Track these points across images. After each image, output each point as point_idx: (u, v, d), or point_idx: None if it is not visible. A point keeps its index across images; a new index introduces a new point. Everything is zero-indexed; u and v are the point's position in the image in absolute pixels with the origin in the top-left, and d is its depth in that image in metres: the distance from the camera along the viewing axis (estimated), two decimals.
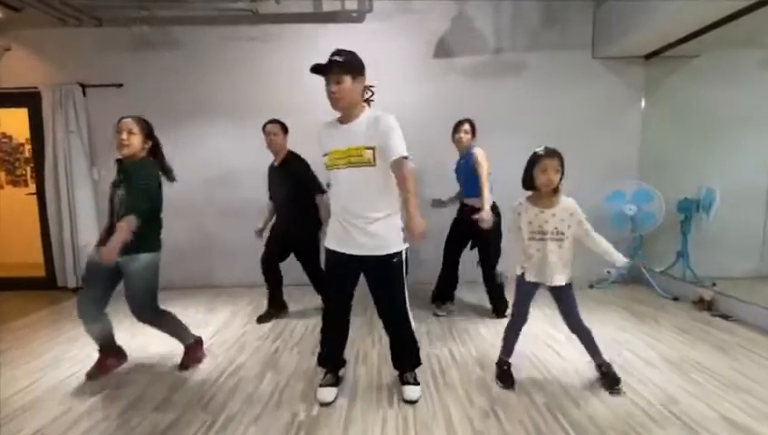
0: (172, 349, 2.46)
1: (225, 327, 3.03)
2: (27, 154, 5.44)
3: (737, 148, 3.79)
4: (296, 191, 2.95)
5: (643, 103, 4.07)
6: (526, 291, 2.10)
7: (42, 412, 1.96)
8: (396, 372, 2.13)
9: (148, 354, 2.54)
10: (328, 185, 2.14)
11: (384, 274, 1.91)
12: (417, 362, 2.10)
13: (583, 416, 1.84)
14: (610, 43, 3.82)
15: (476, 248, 3.07)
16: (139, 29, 3.87)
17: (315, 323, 3.03)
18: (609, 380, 2.06)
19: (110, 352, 2.37)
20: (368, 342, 2.68)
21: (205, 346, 2.55)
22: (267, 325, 3.04)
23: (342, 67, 1.77)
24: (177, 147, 4.03)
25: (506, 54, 3.99)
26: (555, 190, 1.97)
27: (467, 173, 2.97)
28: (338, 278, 1.96)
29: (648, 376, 2.19)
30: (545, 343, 2.62)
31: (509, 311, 2.90)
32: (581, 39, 3.98)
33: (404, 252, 1.92)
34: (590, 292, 3.79)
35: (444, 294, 3.24)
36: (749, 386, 2.08)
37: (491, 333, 2.82)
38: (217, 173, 4.08)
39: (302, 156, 3.05)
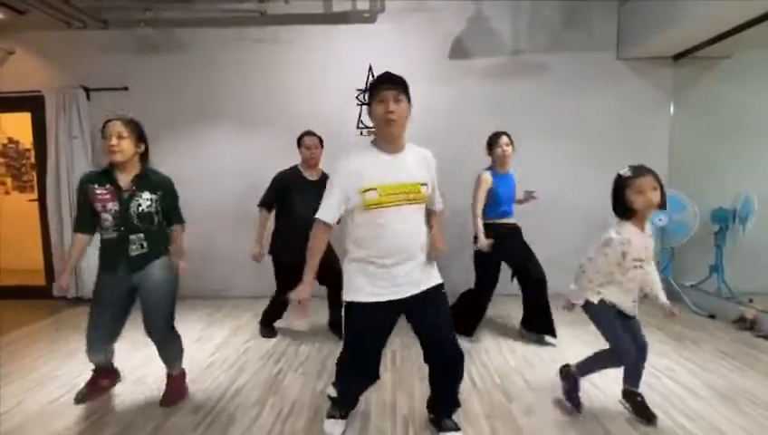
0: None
1: (227, 344, 2.84)
2: (33, 160, 5.38)
3: None
4: None
5: (672, 106, 3.83)
6: (615, 319, 1.85)
7: None
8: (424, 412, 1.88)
9: (141, 374, 2.36)
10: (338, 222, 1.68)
11: (440, 306, 1.66)
12: (459, 403, 1.82)
13: None
14: (636, 43, 3.61)
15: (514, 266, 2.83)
16: (144, 31, 3.77)
17: (321, 342, 2.82)
18: (644, 413, 1.86)
19: (104, 372, 2.20)
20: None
21: (205, 363, 2.36)
22: (272, 342, 2.84)
23: (403, 87, 1.53)
24: (182, 152, 3.93)
25: (526, 55, 3.79)
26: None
27: (510, 193, 2.77)
28: (375, 333, 1.64)
29: (694, 409, 1.95)
30: None
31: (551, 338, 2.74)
32: (605, 39, 3.76)
33: None
34: None
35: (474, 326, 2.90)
36: None
37: (514, 354, 2.59)
38: (222, 179, 3.93)
39: None
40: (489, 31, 3.76)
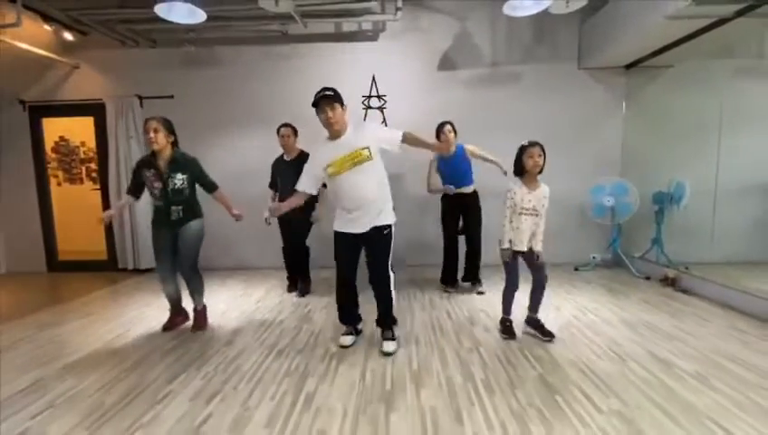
0: (227, 309, 3.14)
1: (265, 297, 3.71)
2: (82, 155, 6.22)
3: (707, 149, 4.27)
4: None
5: (624, 109, 4.60)
6: (514, 259, 2.66)
7: (135, 350, 2.63)
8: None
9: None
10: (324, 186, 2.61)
11: (378, 242, 2.44)
12: (393, 321, 2.60)
13: (544, 353, 2.44)
14: (594, 55, 4.36)
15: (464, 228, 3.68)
16: (187, 49, 4.57)
17: None
18: (543, 332, 2.65)
19: (178, 312, 3.03)
20: None
21: (252, 308, 3.24)
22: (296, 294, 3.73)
23: (334, 98, 2.32)
24: (220, 149, 4.74)
25: (502, 67, 4.57)
26: (540, 172, 2.54)
27: (460, 166, 3.51)
28: (346, 253, 2.50)
29: (603, 331, 2.77)
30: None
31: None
32: (568, 52, 4.53)
33: (393, 226, 2.49)
34: (575, 274, 4.34)
35: (453, 277, 3.74)
36: (682, 337, 2.65)
37: (482, 301, 3.42)
38: (252, 172, 4.73)
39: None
40: (471, 46, 4.54)
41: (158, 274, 2.88)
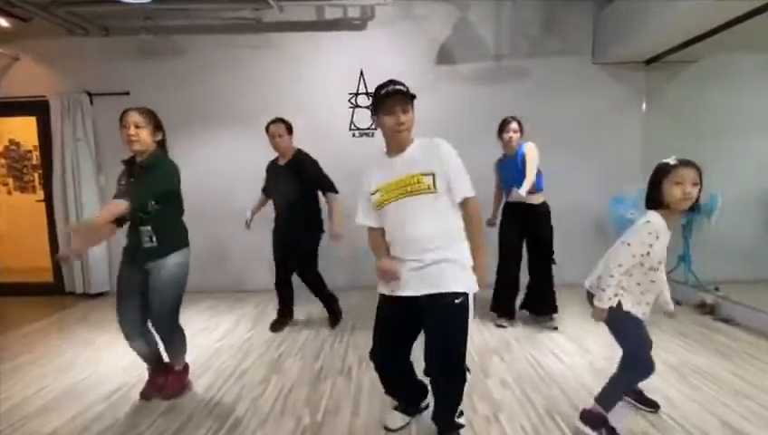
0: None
1: (231, 333, 3.07)
2: (35, 161, 5.52)
3: (737, 152, 3.80)
4: (304, 191, 2.86)
5: (644, 108, 4.09)
6: (642, 327, 1.77)
7: (55, 415, 2.02)
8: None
9: None
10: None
11: (443, 316, 1.57)
12: (459, 424, 1.75)
13: None
14: (611, 48, 3.85)
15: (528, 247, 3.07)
16: (144, 38, 3.94)
17: (319, 329, 3.08)
18: (644, 401, 1.98)
19: (160, 369, 2.21)
20: None
21: (212, 350, 2.59)
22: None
23: (408, 97, 1.60)
24: (180, 152, 4.08)
25: (508, 60, 4.02)
26: (692, 209, 1.64)
27: (517, 168, 2.92)
28: (394, 328, 1.72)
29: (648, 381, 2.21)
30: (551, 351, 2.63)
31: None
32: (581, 45, 4.01)
33: (471, 295, 1.60)
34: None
35: (509, 306, 3.09)
36: (749, 391, 2.11)
37: (493, 337, 2.85)
38: (218, 177, 4.11)
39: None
40: (473, 37, 3.99)
41: (121, 328, 2.05)
